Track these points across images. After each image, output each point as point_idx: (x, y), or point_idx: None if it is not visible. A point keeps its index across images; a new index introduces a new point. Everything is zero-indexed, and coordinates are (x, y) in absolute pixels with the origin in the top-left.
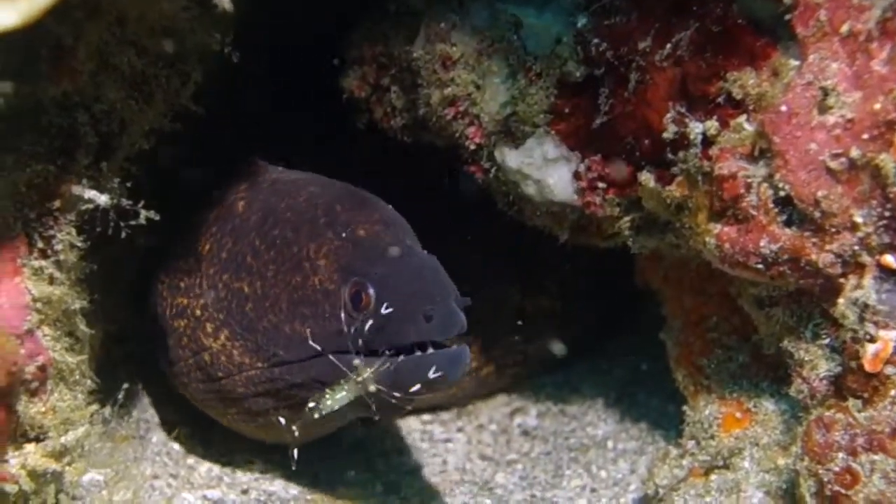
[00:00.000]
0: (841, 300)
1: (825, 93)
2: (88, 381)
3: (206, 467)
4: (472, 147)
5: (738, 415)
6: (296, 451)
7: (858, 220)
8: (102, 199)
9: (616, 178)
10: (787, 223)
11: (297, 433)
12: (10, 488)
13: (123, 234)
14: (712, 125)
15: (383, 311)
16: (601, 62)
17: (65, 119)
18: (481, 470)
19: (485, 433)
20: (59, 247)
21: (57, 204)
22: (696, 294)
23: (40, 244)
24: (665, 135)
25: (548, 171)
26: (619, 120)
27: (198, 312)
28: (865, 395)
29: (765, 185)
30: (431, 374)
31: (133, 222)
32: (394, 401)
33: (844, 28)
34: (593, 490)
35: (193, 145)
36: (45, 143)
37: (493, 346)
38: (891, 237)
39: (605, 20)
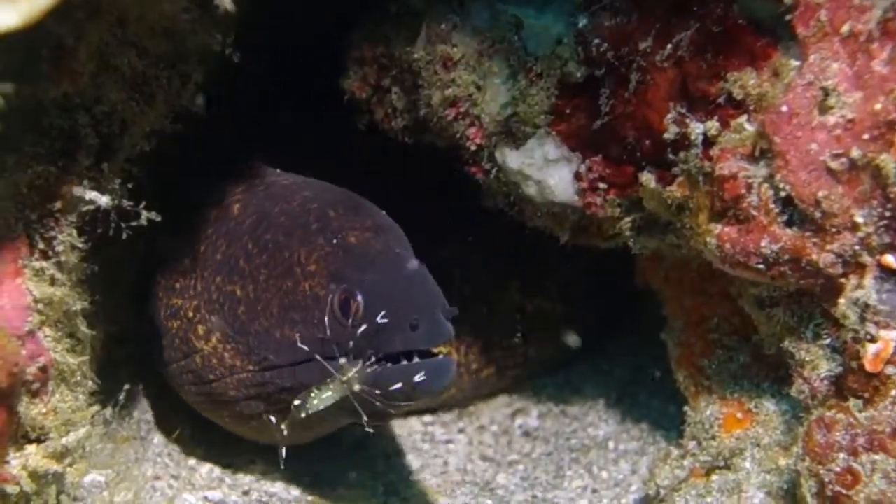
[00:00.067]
0: (842, 300)
1: (826, 93)
2: (89, 383)
3: (207, 468)
4: (473, 148)
5: (739, 415)
6: (284, 451)
7: (859, 220)
8: (103, 200)
9: (617, 179)
10: (788, 223)
11: (285, 432)
12: (12, 489)
13: (124, 236)
14: (713, 125)
15: (371, 318)
16: (602, 63)
17: (66, 120)
18: (482, 471)
19: (486, 434)
20: (60, 248)
21: (58, 205)
22: (697, 294)
23: (41, 245)
24: (666, 135)
25: (549, 171)
26: (620, 120)
27: (190, 314)
28: (866, 395)
29: (765, 185)
30: (415, 384)
31: (134, 223)
32: (378, 404)
33: (845, 28)
34: (594, 491)
35: (194, 146)
36: (46, 145)
37: (494, 347)
38: (891, 237)
39: (605, 21)
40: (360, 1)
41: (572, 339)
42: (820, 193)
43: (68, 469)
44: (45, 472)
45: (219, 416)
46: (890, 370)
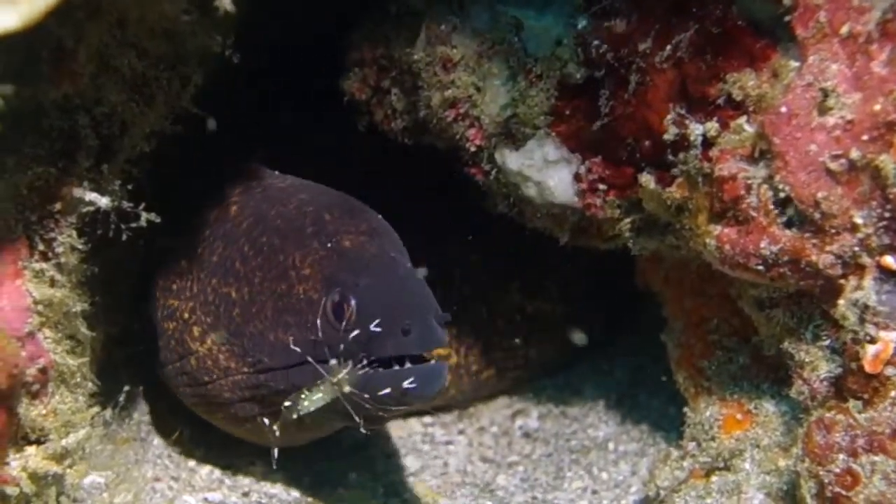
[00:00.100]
0: (841, 301)
1: (825, 94)
2: (89, 384)
3: (207, 470)
4: (473, 149)
5: (738, 416)
6: (276, 452)
7: (858, 221)
8: (103, 201)
9: (616, 180)
10: (788, 224)
11: (277, 433)
12: (12, 491)
13: (124, 237)
14: (712, 126)
15: (363, 323)
16: (601, 64)
17: (66, 121)
18: (482, 472)
19: (486, 435)
20: (60, 249)
21: (58, 206)
22: (697, 295)
23: (41, 246)
24: (666, 136)
25: (548, 172)
26: (620, 121)
27: (186, 315)
28: (866, 396)
29: (765, 186)
30: (405, 389)
31: (134, 224)
32: (370, 408)
33: (844, 29)
34: (594, 492)
35: (193, 146)
36: (46, 146)
37: (494, 348)
38: (891, 238)
39: (605, 22)
40: (359, 1)
41: (578, 337)
42: (819, 194)
43: (68, 470)
44: (44, 474)
45: (214, 418)
46: (889, 371)
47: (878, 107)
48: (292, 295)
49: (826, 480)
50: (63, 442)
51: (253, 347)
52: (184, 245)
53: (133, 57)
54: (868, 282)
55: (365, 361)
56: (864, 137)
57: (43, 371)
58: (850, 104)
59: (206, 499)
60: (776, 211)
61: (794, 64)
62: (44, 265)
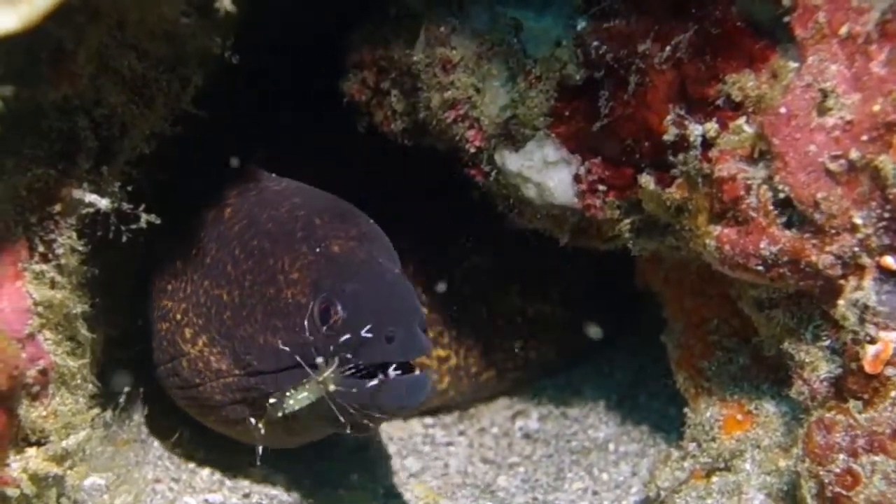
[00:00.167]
0: (841, 302)
1: (824, 94)
2: (90, 386)
3: (207, 471)
4: (473, 150)
5: (738, 417)
6: (261, 449)
7: (858, 221)
8: (103, 202)
9: (616, 181)
10: (787, 225)
11: (262, 431)
12: (12, 492)
13: (124, 238)
14: (712, 127)
15: (349, 328)
16: (601, 65)
17: (65, 123)
18: (483, 473)
19: (486, 436)
20: (60, 251)
21: (58, 208)
22: (697, 296)
23: (41, 248)
24: (666, 137)
25: (548, 173)
26: (619, 122)
27: (178, 317)
28: (866, 396)
29: (764, 186)
30: (385, 399)
31: (134, 226)
32: (352, 412)
33: (843, 30)
34: (595, 493)
35: (193, 147)
36: (46, 147)
37: (494, 350)
38: (890, 238)
39: (604, 23)
40: (359, 3)
41: (594, 331)
42: (819, 195)
43: (69, 472)
44: (45, 475)
45: (206, 420)
46: (889, 371)
47: (877, 107)
48: (281, 299)
49: (826, 480)
50: (63, 443)
51: (244, 350)
52: (179, 246)
53: (133, 58)
54: (868, 282)
55: (351, 364)
56: (864, 138)
57: (43, 373)
58: (850, 105)
59: (206, 500)
60: (776, 211)
61: (794, 65)
62: (44, 267)
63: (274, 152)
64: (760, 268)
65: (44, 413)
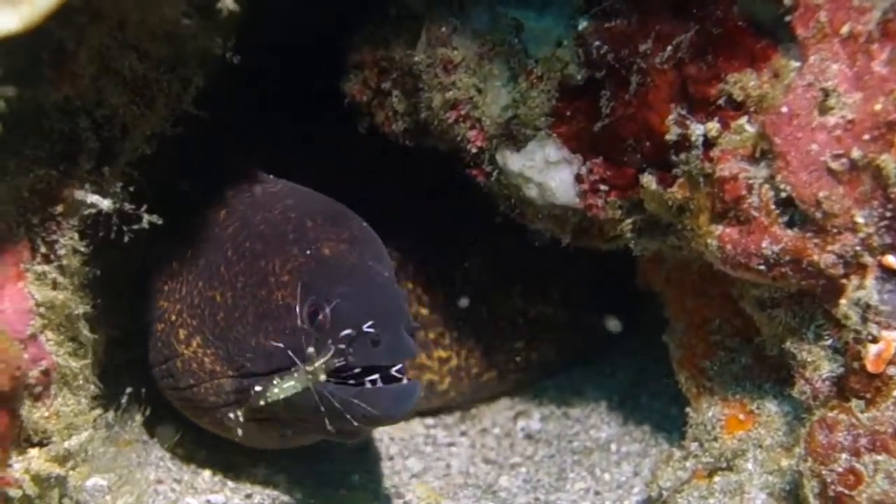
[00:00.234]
0: (843, 301)
1: (826, 94)
2: (91, 386)
3: (209, 472)
4: (474, 150)
5: (741, 416)
6: (240, 431)
7: (860, 220)
8: (105, 203)
9: (618, 181)
10: (789, 224)
11: (241, 419)
12: (14, 493)
13: (126, 239)
14: (713, 127)
15: (336, 331)
16: (602, 65)
17: (67, 124)
18: (485, 473)
19: (488, 437)
20: (62, 251)
21: (59, 209)
22: (698, 296)
23: (43, 249)
24: (668, 136)
25: (549, 173)
26: (621, 122)
27: (173, 318)
28: (868, 395)
29: (766, 186)
30: (371, 408)
31: (135, 226)
32: (339, 418)
33: (845, 29)
34: (597, 493)
35: (193, 147)
36: (48, 148)
37: (495, 351)
38: (892, 238)
39: (605, 23)
40: (360, 3)
41: (613, 324)
42: (821, 194)
43: (71, 473)
44: (47, 476)
45: (201, 421)
46: (892, 371)
47: (878, 106)
48: (272, 301)
49: (829, 480)
50: (66, 444)
51: (236, 352)
52: (176, 247)
53: (134, 59)
54: (870, 281)
55: (338, 362)
56: (866, 137)
57: (45, 373)
58: (851, 104)
59: (208, 501)
60: (777, 211)
61: (795, 64)
62: (46, 267)
63: (274, 153)
64: (762, 267)
65: (46, 414)
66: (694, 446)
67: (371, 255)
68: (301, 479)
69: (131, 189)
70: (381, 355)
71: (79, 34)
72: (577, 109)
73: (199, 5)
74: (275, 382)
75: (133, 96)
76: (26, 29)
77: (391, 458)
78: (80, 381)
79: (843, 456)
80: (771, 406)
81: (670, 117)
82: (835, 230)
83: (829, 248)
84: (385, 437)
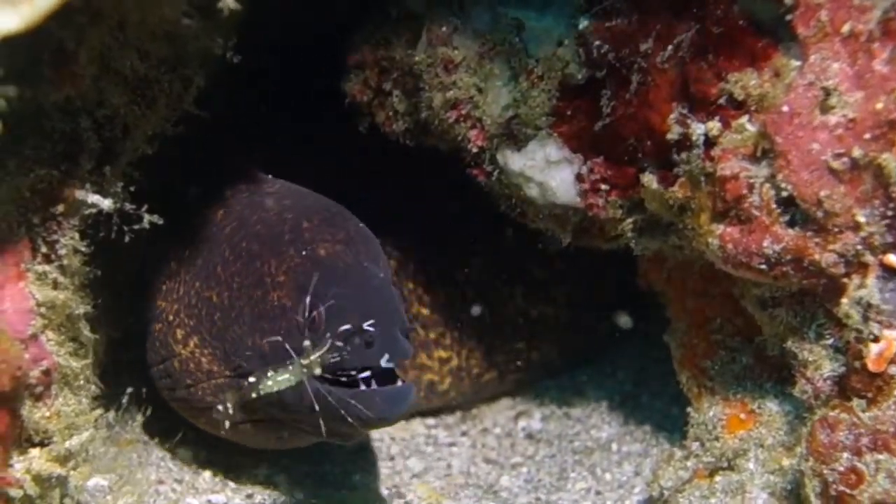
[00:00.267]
0: (844, 300)
1: (827, 93)
2: (92, 386)
3: (210, 472)
4: (475, 150)
5: (742, 416)
6: (227, 423)
7: (861, 219)
8: (106, 203)
9: (618, 180)
10: (790, 223)
11: (230, 410)
12: (16, 493)
13: (127, 239)
14: (714, 126)
15: (331, 332)
16: (603, 64)
17: (68, 124)
18: (486, 473)
19: (489, 437)
20: (62, 251)
21: (60, 209)
22: (700, 296)
23: (44, 249)
24: (669, 136)
25: (550, 173)
26: (622, 122)
27: (171, 318)
28: (869, 394)
29: (767, 185)
30: (365, 410)
31: (136, 226)
32: (332, 420)
33: (845, 28)
34: (598, 493)
35: (192, 147)
36: (49, 148)
37: (496, 351)
38: (894, 236)
39: (606, 22)
40: (360, 3)
41: (623, 320)
42: (822, 193)
43: (72, 473)
44: (48, 476)
45: (198, 422)
46: (893, 370)
47: (880, 105)
48: (267, 301)
49: (830, 479)
50: (66, 444)
51: (233, 352)
52: (174, 247)
53: (135, 59)
54: (871, 280)
55: (332, 358)
56: (867, 136)
57: (46, 373)
58: (852, 103)
59: (209, 501)
60: (779, 210)
61: (796, 63)
62: (46, 267)
63: (274, 153)
64: (763, 266)
65: (47, 414)
66: (695, 446)
67: (367, 255)
68: (302, 480)
69: (132, 189)
70: (375, 356)
71: (79, 34)
72: (578, 109)
73: (199, 5)
74: (269, 374)
75: (134, 96)
76: (27, 29)
77: (392, 459)
78: (81, 381)
79: (845, 455)
80: (772, 405)
81: (671, 116)
82: (836, 229)
83: (831, 247)
84: (386, 437)
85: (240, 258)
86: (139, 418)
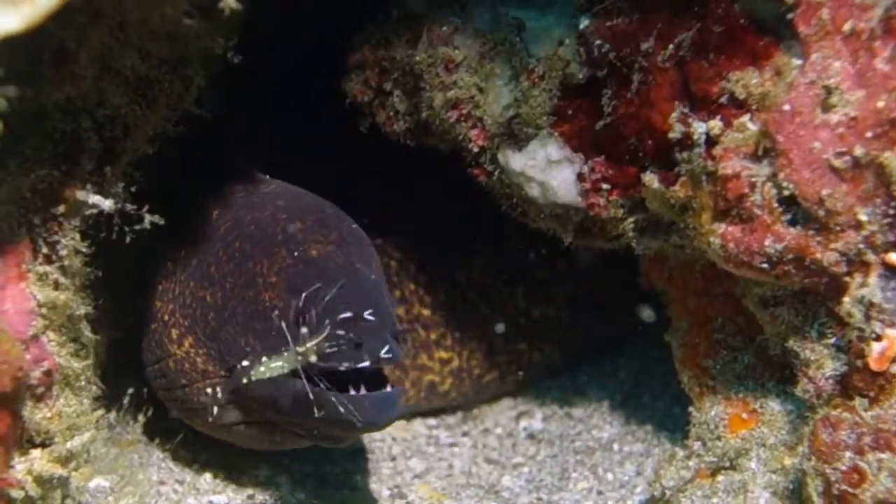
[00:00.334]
0: (846, 299)
1: (828, 91)
2: (94, 387)
3: (211, 472)
4: (476, 150)
5: (744, 415)
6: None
7: (863, 218)
8: (106, 204)
9: (619, 180)
10: (792, 222)
11: (221, 400)
12: (17, 494)
13: (128, 239)
14: (715, 125)
15: (321, 332)
16: (604, 63)
17: (68, 124)
18: (487, 473)
19: (490, 437)
20: (63, 252)
21: (61, 209)
22: (701, 295)
23: (45, 249)
24: (671, 135)
25: (551, 172)
26: (623, 121)
27: (166, 317)
28: (871, 393)
29: (769, 184)
30: (352, 416)
31: (137, 227)
32: (321, 424)
33: (847, 27)
34: (600, 492)
35: (191, 147)
36: (49, 148)
37: (498, 352)
38: (895, 235)
39: (606, 21)
40: (360, 3)
41: (646, 314)
42: (823, 192)
43: (73, 473)
44: (49, 477)
45: (192, 421)
46: (895, 369)
47: (881, 104)
48: (259, 302)
49: (832, 478)
50: (68, 445)
51: (228, 352)
52: (171, 247)
53: (135, 59)
54: (873, 279)
55: (329, 348)
56: (868, 134)
57: (47, 374)
58: (854, 101)
59: (211, 501)
60: (780, 209)
61: (797, 62)
62: (47, 268)
63: (274, 153)
64: (765, 265)
65: (48, 414)
66: (697, 445)
67: (359, 257)
68: (303, 480)
69: (133, 189)
70: (363, 357)
71: (80, 34)
72: (579, 108)
73: (200, 5)
74: (263, 360)
75: (135, 96)
76: (27, 29)
77: (393, 459)
78: (82, 382)
79: (847, 454)
80: (774, 405)
81: (672, 116)
82: (838, 228)
83: (832, 245)
84: (388, 437)
85: (233, 258)
86: (140, 419)
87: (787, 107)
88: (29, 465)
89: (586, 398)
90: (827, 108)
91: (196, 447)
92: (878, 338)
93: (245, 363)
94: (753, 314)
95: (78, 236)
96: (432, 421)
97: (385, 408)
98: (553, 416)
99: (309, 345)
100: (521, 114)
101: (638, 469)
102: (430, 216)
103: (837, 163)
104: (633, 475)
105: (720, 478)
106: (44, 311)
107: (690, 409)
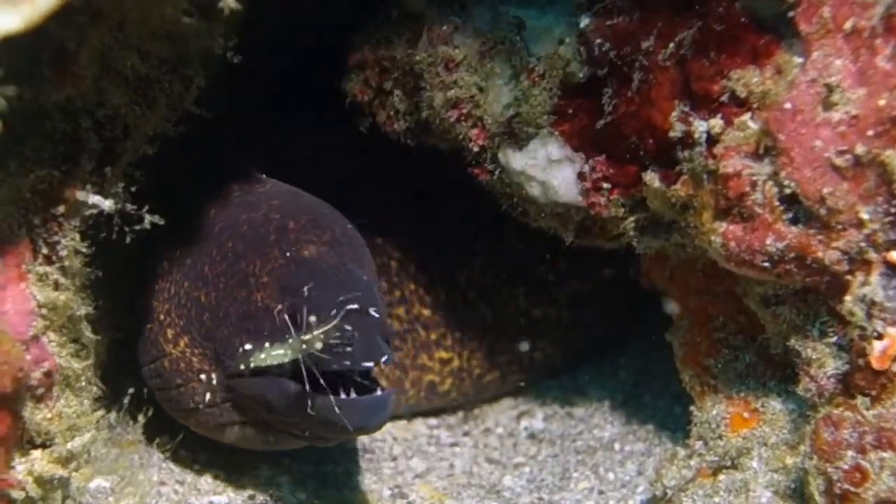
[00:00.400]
0: (848, 297)
1: (829, 90)
2: (94, 388)
3: (212, 472)
4: (476, 149)
5: (745, 414)
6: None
7: (864, 216)
8: (106, 204)
9: (620, 179)
10: (793, 221)
11: (215, 387)
12: (17, 494)
13: (128, 240)
14: (716, 123)
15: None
16: (604, 62)
17: (68, 124)
18: (488, 473)
19: (491, 437)
20: (63, 252)
21: (61, 209)
22: (702, 294)
23: (45, 250)
24: (671, 134)
25: (552, 172)
26: (623, 120)
27: (162, 317)
28: (873, 392)
29: (770, 182)
30: (342, 419)
31: (137, 227)
32: (310, 427)
33: (848, 24)
34: (601, 492)
35: (190, 147)
36: (49, 149)
37: (498, 352)
38: None
39: (607, 20)
40: (360, 3)
41: (670, 308)
42: (825, 190)
43: (74, 474)
44: (50, 477)
45: (187, 422)
46: None
47: (883, 102)
48: (252, 302)
49: (834, 477)
50: (68, 445)
51: (224, 352)
52: (168, 247)
53: (135, 59)
54: (875, 277)
55: (334, 339)
56: (870, 133)
57: (48, 374)
58: (855, 99)
59: (211, 502)
60: (781, 207)
61: (798, 60)
62: (47, 268)
63: (274, 153)
64: (766, 264)
65: (48, 415)
66: (698, 445)
67: (352, 257)
68: (304, 480)
69: (133, 189)
70: (353, 359)
71: (80, 34)
72: (580, 107)
73: (200, 5)
74: (264, 348)
75: (135, 96)
76: (27, 29)
77: (394, 459)
78: (83, 383)
79: (849, 453)
80: (776, 404)
81: (673, 114)
82: (839, 226)
83: (834, 244)
84: (388, 437)
85: (226, 258)
86: (140, 419)
87: (788, 105)
88: (29, 466)
89: (587, 398)
90: (828, 106)
91: (196, 447)
92: (880, 336)
93: (248, 346)
94: (755, 313)
95: (78, 237)
96: (433, 421)
97: (375, 412)
98: (554, 415)
99: (316, 332)
100: (522, 113)
101: (639, 468)
102: (430, 216)
103: (839, 161)
104: (635, 475)
105: (722, 477)
106: (44, 311)
107: (692, 408)
